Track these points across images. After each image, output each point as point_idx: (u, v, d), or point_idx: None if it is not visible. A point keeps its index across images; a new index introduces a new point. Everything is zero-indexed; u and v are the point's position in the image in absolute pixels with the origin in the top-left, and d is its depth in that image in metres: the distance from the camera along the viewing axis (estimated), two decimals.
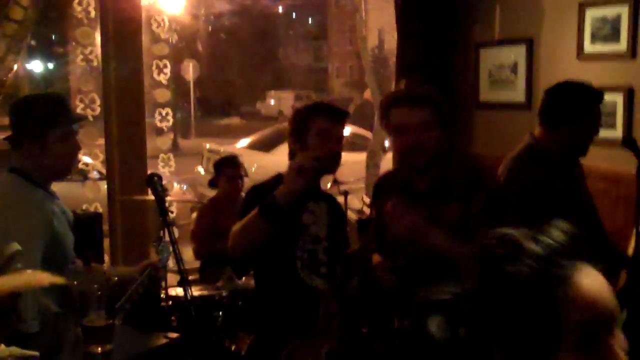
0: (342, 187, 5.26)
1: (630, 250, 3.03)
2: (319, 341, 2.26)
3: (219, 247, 3.51)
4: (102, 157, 5.16)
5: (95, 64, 5.18)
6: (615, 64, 3.74)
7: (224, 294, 3.01)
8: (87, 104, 5.14)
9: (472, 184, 2.37)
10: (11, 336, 1.85)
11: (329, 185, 5.18)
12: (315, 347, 2.25)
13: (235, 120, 28.65)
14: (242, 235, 2.45)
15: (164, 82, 5.71)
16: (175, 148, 12.57)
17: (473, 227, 2.28)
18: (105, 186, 4.97)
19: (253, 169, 10.10)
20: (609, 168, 3.62)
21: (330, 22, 33.48)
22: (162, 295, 2.95)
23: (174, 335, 2.11)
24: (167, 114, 5.81)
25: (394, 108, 2.39)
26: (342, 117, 2.68)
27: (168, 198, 5.12)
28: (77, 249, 2.59)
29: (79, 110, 4.88)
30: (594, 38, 3.82)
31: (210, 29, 24.92)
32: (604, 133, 2.98)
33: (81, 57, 5.19)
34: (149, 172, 4.62)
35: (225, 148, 12.09)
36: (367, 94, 10.57)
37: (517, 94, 4.32)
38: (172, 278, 3.65)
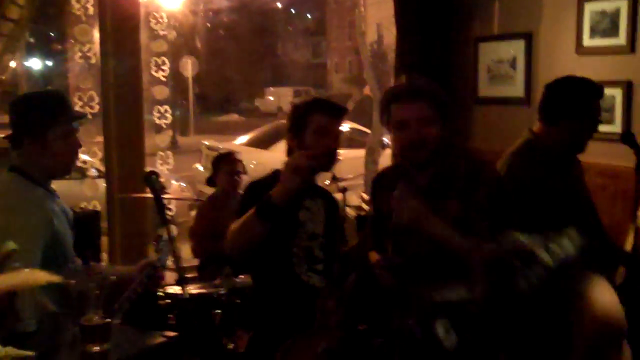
0: (341, 184, 5.30)
1: (629, 245, 3.03)
2: (315, 339, 2.26)
3: (218, 246, 3.50)
4: (100, 154, 5.16)
5: (93, 61, 5.18)
6: (614, 58, 3.73)
7: (222, 292, 3.00)
8: (86, 101, 5.14)
9: (473, 179, 2.37)
10: (8, 335, 1.85)
11: (327, 182, 5.20)
12: (311, 345, 2.24)
13: (234, 117, 28.64)
14: (239, 234, 2.45)
15: (163, 79, 5.71)
16: (173, 145, 12.56)
17: (474, 221, 2.28)
18: (104, 184, 4.96)
19: (252, 165, 10.08)
20: (608, 163, 3.62)
21: (329, 17, 33.45)
22: (160, 294, 2.94)
23: (171, 334, 2.11)
24: (165, 111, 5.81)
25: (394, 103, 2.38)
26: (340, 114, 2.68)
27: (166, 196, 5.13)
28: (76, 247, 2.58)
29: (77, 108, 4.87)
30: (593, 32, 3.81)
31: (208, 26, 24.90)
32: (602, 128, 2.97)
33: (79, 54, 5.19)
34: (147, 169, 4.65)
35: (224, 145, 12.07)
36: (367, 90, 10.55)
37: (516, 88, 4.31)
38: (171, 276, 3.66)
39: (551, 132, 2.89)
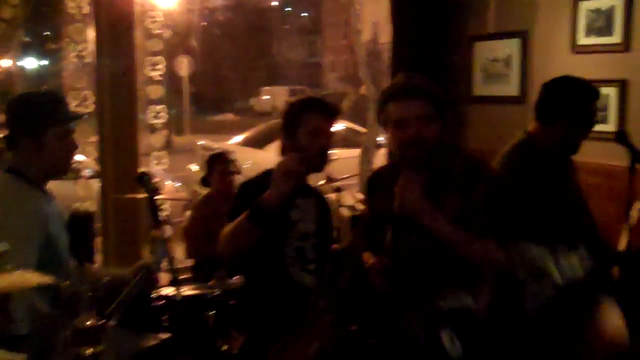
0: (336, 184, 5.28)
1: (622, 245, 3.02)
2: (307, 339, 2.26)
3: (212, 246, 3.49)
4: (94, 154, 5.14)
5: (88, 60, 5.16)
6: (609, 56, 3.73)
7: (216, 293, 2.99)
8: (80, 101, 5.12)
9: (471, 177, 2.37)
10: (0, 338, 1.83)
11: (322, 182, 5.19)
12: (303, 345, 2.24)
13: (229, 117, 28.60)
14: (232, 239, 2.45)
15: (158, 78, 5.69)
16: (168, 145, 12.53)
17: (472, 219, 2.28)
18: (98, 184, 4.95)
19: (247, 165, 10.07)
20: (601, 162, 3.62)
21: (324, 16, 33.44)
22: (153, 295, 2.93)
23: (164, 335, 2.10)
24: (160, 111, 5.79)
25: (393, 101, 2.37)
26: (333, 113, 2.67)
27: (161, 196, 5.12)
28: (70, 248, 2.57)
29: (72, 108, 4.85)
30: (588, 31, 3.81)
31: (203, 24, 24.85)
32: (596, 127, 2.97)
33: (74, 53, 5.17)
34: (141, 169, 4.63)
35: (219, 145, 12.05)
36: (364, 90, 10.52)
37: (511, 87, 4.31)
38: (165, 277, 3.64)
39: (546, 132, 2.89)
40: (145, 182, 2.39)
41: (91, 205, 5.21)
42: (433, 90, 2.38)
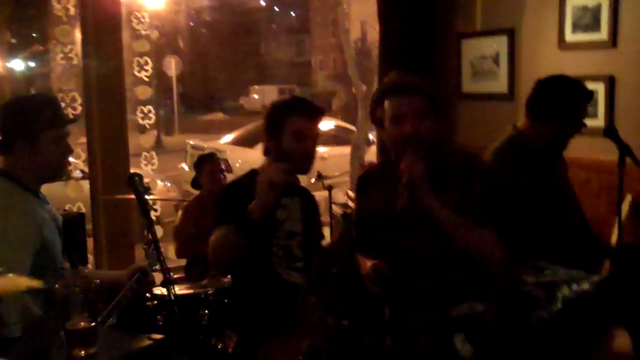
0: (327, 182, 5.29)
1: (613, 239, 3.04)
2: (298, 336, 2.26)
3: (204, 246, 3.49)
4: (84, 156, 5.11)
5: (75, 62, 5.13)
6: (597, 53, 3.75)
7: (210, 292, 2.99)
8: (68, 102, 5.09)
9: (468, 171, 2.38)
10: None
11: (313, 180, 5.19)
12: (294, 343, 2.24)
13: (218, 116, 28.53)
14: (220, 249, 2.44)
15: (146, 79, 5.67)
16: (158, 145, 12.51)
17: (471, 213, 2.28)
18: (88, 185, 4.92)
19: (238, 164, 10.07)
20: (591, 157, 3.64)
21: (312, 15, 33.38)
22: (147, 295, 2.92)
23: (158, 336, 2.09)
24: (149, 111, 5.77)
25: (389, 97, 2.37)
26: (318, 115, 2.64)
27: (152, 196, 5.11)
28: (63, 250, 2.56)
29: None
30: (575, 27, 3.83)
31: (191, 24, 24.79)
32: (585, 122, 2.99)
33: (61, 55, 5.14)
34: (131, 170, 4.62)
35: (209, 144, 12.04)
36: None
37: (500, 84, 4.33)
38: (159, 278, 3.64)
39: (536, 129, 2.91)
40: (136, 183, 2.38)
41: (82, 207, 5.18)
42: (429, 87, 2.39)
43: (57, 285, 2.01)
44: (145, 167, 5.83)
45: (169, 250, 4.54)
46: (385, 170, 2.53)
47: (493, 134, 3.09)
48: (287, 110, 2.59)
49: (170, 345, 2.24)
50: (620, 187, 2.77)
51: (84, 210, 5.07)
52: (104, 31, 4.72)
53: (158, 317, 2.81)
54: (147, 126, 5.80)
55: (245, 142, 12.16)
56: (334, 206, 5.23)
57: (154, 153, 5.91)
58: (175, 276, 3.63)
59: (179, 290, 3.07)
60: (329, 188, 5.20)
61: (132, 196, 2.53)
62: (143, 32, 5.74)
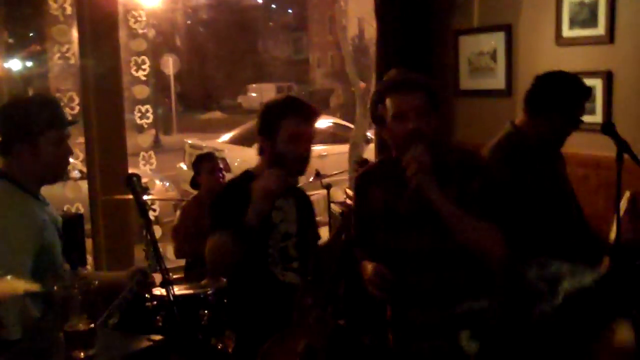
0: (325, 180, 5.28)
1: (612, 235, 3.04)
2: (295, 336, 2.26)
3: (202, 246, 3.49)
4: (82, 156, 5.10)
5: (72, 61, 5.13)
6: (594, 48, 3.75)
7: (209, 292, 2.99)
8: (66, 102, 5.08)
9: (467, 168, 2.38)
10: None
11: (311, 179, 5.18)
12: (291, 343, 2.24)
13: (216, 115, 28.51)
14: (217, 257, 2.45)
15: (143, 78, 5.66)
16: (156, 144, 12.48)
17: (471, 210, 2.28)
18: (87, 186, 4.92)
19: (236, 163, 10.05)
20: (589, 153, 3.64)
21: (309, 12, 33.35)
22: (146, 296, 2.92)
23: (157, 337, 2.09)
24: (147, 110, 5.75)
25: (390, 95, 2.37)
26: (313, 116, 2.62)
27: (150, 196, 5.10)
28: (62, 251, 2.55)
29: None
30: (572, 23, 3.83)
31: (188, 23, 24.77)
32: (583, 118, 2.99)
33: (58, 55, 5.13)
34: (130, 170, 4.61)
35: (207, 143, 12.02)
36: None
37: (497, 81, 4.33)
38: (156, 278, 3.63)
39: (535, 124, 2.91)
40: (134, 184, 2.37)
41: (81, 207, 5.18)
42: (430, 84, 2.39)
43: (56, 287, 2.01)
44: (143, 167, 5.82)
45: (168, 250, 4.53)
46: (386, 168, 2.53)
47: (491, 131, 3.09)
48: (281, 112, 2.58)
49: (170, 346, 2.24)
50: (619, 183, 2.77)
51: (82, 210, 5.06)
52: (100, 30, 4.71)
53: (157, 317, 2.80)
54: (145, 125, 5.79)
55: (243, 140, 12.12)
56: (332, 205, 5.22)
57: (152, 152, 5.89)
58: (174, 276, 3.62)
59: (178, 290, 3.07)
60: (328, 186, 5.19)
61: (131, 196, 2.52)
62: (140, 31, 5.72)
